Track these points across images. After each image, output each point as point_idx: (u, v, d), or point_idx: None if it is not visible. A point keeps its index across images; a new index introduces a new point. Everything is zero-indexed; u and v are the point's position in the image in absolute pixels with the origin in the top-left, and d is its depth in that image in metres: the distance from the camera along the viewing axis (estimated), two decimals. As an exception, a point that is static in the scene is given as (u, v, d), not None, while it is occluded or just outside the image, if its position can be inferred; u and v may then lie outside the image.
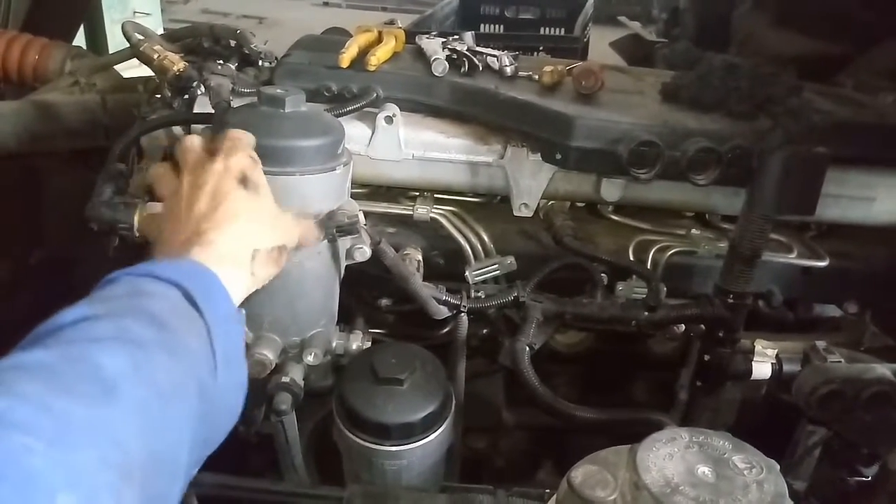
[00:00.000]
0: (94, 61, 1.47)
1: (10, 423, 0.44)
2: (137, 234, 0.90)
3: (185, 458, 0.55)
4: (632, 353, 1.31)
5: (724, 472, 0.65)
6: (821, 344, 1.03)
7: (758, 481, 0.64)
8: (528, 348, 1.03)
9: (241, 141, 0.80)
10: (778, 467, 0.66)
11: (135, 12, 4.45)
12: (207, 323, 0.60)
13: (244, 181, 0.75)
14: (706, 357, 1.11)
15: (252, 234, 0.72)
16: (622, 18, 2.98)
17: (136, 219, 0.89)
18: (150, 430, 0.51)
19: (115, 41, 4.15)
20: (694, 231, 1.19)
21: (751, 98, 1.08)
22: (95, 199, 0.90)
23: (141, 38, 1.16)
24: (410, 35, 1.29)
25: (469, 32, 1.32)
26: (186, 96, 1.09)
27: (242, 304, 0.90)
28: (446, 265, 1.16)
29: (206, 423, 0.58)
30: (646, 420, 1.07)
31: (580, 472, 0.64)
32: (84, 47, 1.81)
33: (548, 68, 1.15)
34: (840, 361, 1.00)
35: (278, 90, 0.89)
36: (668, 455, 0.66)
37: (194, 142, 0.80)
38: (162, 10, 5.11)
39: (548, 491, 0.87)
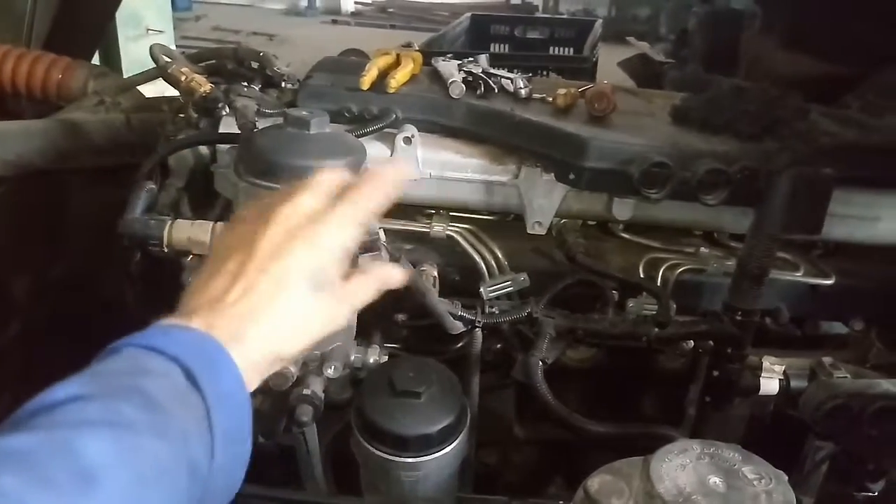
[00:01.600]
0: (118, 81, 1.51)
1: None
2: (166, 250, 0.93)
3: None
4: (640, 368, 1.33)
5: (734, 482, 0.67)
6: (827, 360, 1.05)
7: (767, 491, 0.67)
8: (541, 363, 1.06)
9: (372, 194, 0.69)
10: (786, 478, 0.69)
11: (148, 30, 4.51)
12: (207, 402, 0.57)
13: (317, 285, 0.66)
14: (715, 373, 1.13)
15: (287, 341, 0.65)
16: (630, 39, 3.02)
17: (165, 235, 0.92)
18: None
19: (129, 58, 4.22)
20: (703, 249, 1.22)
21: (759, 120, 1.11)
22: (128, 215, 0.94)
23: (168, 59, 1.20)
24: (426, 55, 1.33)
25: (483, 55, 1.36)
26: (212, 117, 1.13)
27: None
28: (461, 281, 1.19)
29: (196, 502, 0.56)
30: (656, 434, 1.09)
31: (596, 481, 0.66)
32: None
33: (561, 91, 1.18)
34: (846, 377, 1.03)
35: (304, 112, 0.93)
36: (681, 466, 0.69)
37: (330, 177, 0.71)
38: (174, 28, 5.18)
39: (561, 502, 0.89)
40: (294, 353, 0.67)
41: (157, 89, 1.69)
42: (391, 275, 0.75)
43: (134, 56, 4.15)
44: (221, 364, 0.60)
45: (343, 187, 0.70)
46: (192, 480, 0.54)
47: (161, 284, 1.23)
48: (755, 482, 0.68)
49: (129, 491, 0.50)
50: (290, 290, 0.64)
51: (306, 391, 0.93)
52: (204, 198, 1.12)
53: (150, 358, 0.57)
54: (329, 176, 0.71)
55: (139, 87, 1.56)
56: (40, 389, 1.41)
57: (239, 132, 1.03)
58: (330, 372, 0.97)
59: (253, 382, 0.63)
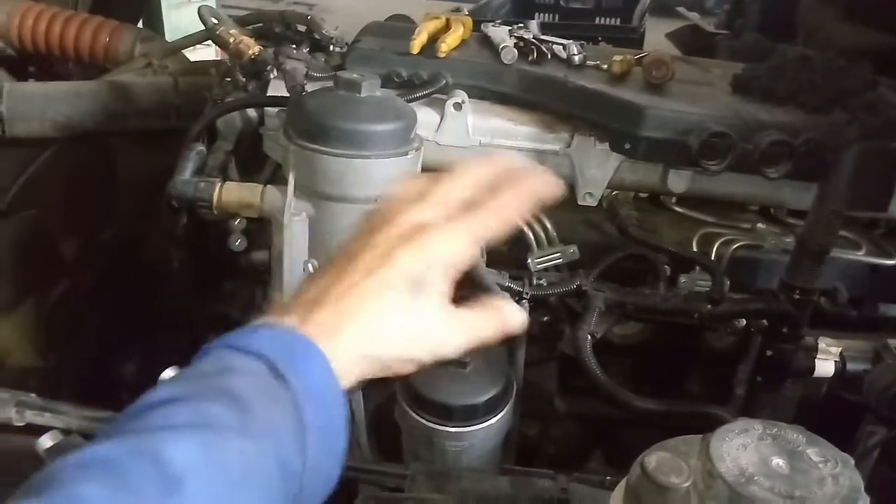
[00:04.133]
0: (165, 44, 1.51)
1: None
2: (215, 212, 0.93)
3: None
4: (687, 346, 1.30)
5: (798, 464, 0.65)
6: (893, 342, 1.01)
7: (833, 475, 0.64)
8: (590, 337, 1.04)
9: (504, 211, 0.65)
10: (853, 462, 0.66)
11: (190, -2, 4.52)
12: (295, 397, 0.56)
13: (416, 284, 0.62)
14: (768, 353, 1.10)
15: (383, 341, 0.62)
16: (680, 9, 2.93)
17: (215, 197, 0.91)
18: None
19: (171, 25, 4.23)
20: (760, 225, 1.18)
21: (825, 91, 1.06)
22: (177, 177, 0.93)
23: (216, 22, 1.19)
24: (475, 23, 1.30)
25: (533, 21, 1.32)
26: (260, 80, 1.11)
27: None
28: (509, 252, 1.17)
29: (291, 501, 0.55)
30: (704, 413, 1.06)
31: (654, 458, 0.64)
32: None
33: (617, 57, 1.14)
34: (913, 360, 0.99)
35: (354, 75, 0.91)
36: (742, 446, 0.66)
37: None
38: (216, -5, 5.18)
39: (608, 478, 0.87)
40: (394, 358, 0.63)
41: (198, 55, 1.69)
42: (514, 316, 0.69)
43: (176, 24, 4.16)
44: (310, 358, 0.58)
45: (476, 193, 0.66)
46: (284, 477, 0.53)
47: (207, 248, 1.23)
48: (820, 465, 0.65)
49: (216, 492, 0.49)
50: (389, 291, 0.62)
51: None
52: (252, 161, 1.11)
53: (237, 357, 0.57)
54: (461, 182, 0.67)
55: (184, 52, 1.56)
56: (87, 347, 1.42)
57: (288, 95, 1.01)
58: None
59: (348, 379, 0.61)
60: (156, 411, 0.52)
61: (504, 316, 0.69)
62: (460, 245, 0.64)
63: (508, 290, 1.06)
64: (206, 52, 2.06)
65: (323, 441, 0.57)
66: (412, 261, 0.63)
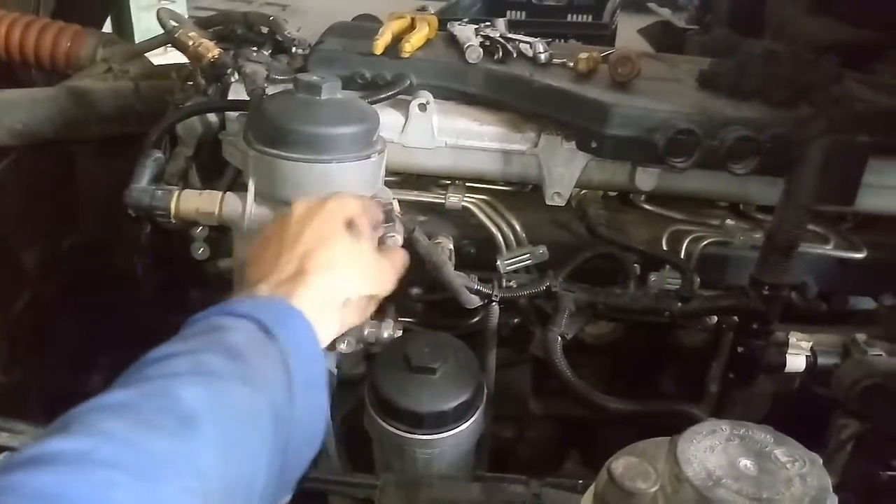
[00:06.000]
0: (126, 48, 1.48)
1: (96, 461, 0.46)
2: (174, 221, 0.91)
3: (261, 487, 0.56)
4: (660, 344, 1.30)
5: (766, 465, 0.64)
6: (861, 337, 1.01)
7: (801, 475, 0.63)
8: (560, 338, 1.03)
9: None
10: (821, 461, 0.66)
11: (160, -1, 4.46)
12: (283, 350, 0.61)
13: (350, 224, 0.76)
14: (739, 349, 1.09)
15: (348, 282, 0.74)
16: (651, 5, 2.93)
17: (172, 205, 0.89)
18: (229, 459, 0.52)
19: (141, 28, 4.17)
20: (728, 221, 1.17)
21: (791, 85, 1.06)
22: (133, 185, 0.91)
23: (175, 24, 1.17)
24: (441, 22, 1.29)
25: (501, 19, 1.31)
26: (220, 83, 1.09)
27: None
28: (477, 254, 1.16)
29: (281, 451, 0.58)
30: (677, 412, 1.06)
31: (620, 464, 0.63)
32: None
33: (583, 55, 1.13)
34: (881, 354, 0.99)
35: (314, 77, 0.89)
36: (710, 447, 0.65)
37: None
38: (187, -3, 5.12)
39: (581, 482, 0.87)
40: (355, 294, 0.74)
41: (167, 59, 1.65)
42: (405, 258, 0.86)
43: (146, 26, 4.10)
44: (291, 317, 0.65)
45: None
46: (276, 425, 0.57)
47: (172, 256, 1.21)
48: (788, 465, 0.64)
49: (226, 431, 0.53)
50: (333, 237, 0.74)
51: (319, 366, 0.91)
52: (213, 167, 1.09)
53: (226, 318, 0.62)
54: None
55: (149, 56, 1.53)
56: (52, 360, 1.40)
57: (248, 99, 0.99)
58: (343, 347, 0.94)
59: (325, 327, 0.69)
60: (159, 364, 0.56)
61: (402, 255, 0.86)
62: (368, 205, 0.80)
63: (478, 292, 1.05)
64: (176, 56, 2.03)
65: (308, 393, 0.62)
66: (338, 207, 0.76)
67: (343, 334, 0.94)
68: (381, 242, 0.85)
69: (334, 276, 0.72)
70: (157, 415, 0.51)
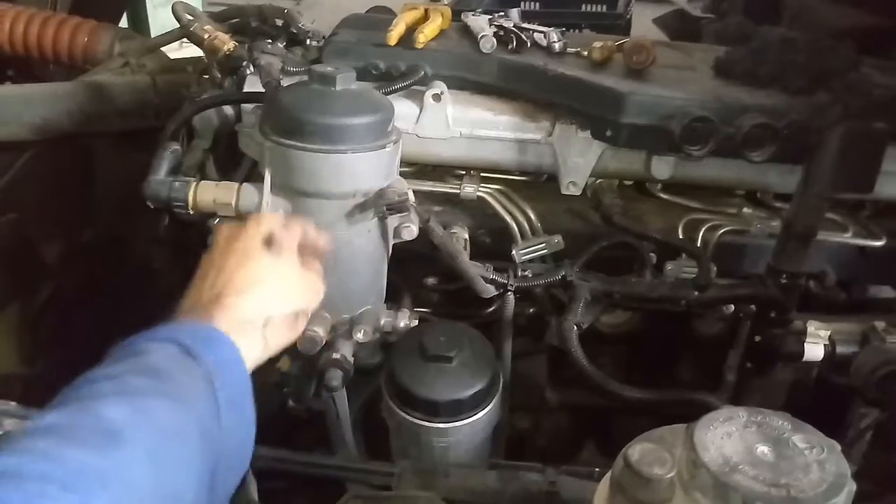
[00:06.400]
0: (143, 43, 1.49)
1: (25, 475, 0.48)
2: (191, 212, 0.91)
3: (192, 498, 0.57)
4: (676, 334, 1.29)
5: (784, 451, 0.64)
6: (880, 324, 1.00)
7: (819, 461, 0.63)
8: (576, 328, 1.03)
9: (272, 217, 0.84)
10: (839, 447, 0.65)
11: (176, -6, 4.47)
12: (206, 369, 0.62)
13: (269, 242, 0.77)
14: (757, 338, 1.09)
15: (268, 301, 0.74)
16: (666, -6, 2.90)
17: (190, 196, 0.90)
18: (157, 471, 0.54)
19: (157, 23, 4.19)
20: (745, 210, 1.17)
21: (808, 72, 1.05)
22: (152, 177, 0.92)
23: (191, 18, 1.17)
24: (454, 13, 1.28)
25: (515, 9, 1.30)
26: (236, 76, 1.10)
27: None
28: (492, 244, 1.16)
29: (211, 466, 0.60)
30: (693, 401, 1.06)
31: (637, 450, 0.63)
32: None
33: (597, 44, 1.13)
34: (900, 342, 0.98)
35: (329, 68, 0.90)
36: (727, 434, 0.65)
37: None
38: (202, -9, 5.13)
39: (597, 469, 0.87)
40: (279, 312, 0.75)
41: (182, 54, 1.67)
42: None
43: (162, 21, 4.12)
44: (213, 337, 0.66)
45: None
46: (203, 441, 0.59)
47: (190, 248, 1.22)
48: (806, 452, 0.64)
49: (152, 444, 0.54)
50: (251, 257, 0.75)
51: (336, 355, 0.92)
52: (230, 159, 1.09)
53: (149, 343, 0.63)
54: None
55: (165, 50, 1.54)
56: (73, 351, 1.41)
57: (263, 91, 1.00)
58: (360, 336, 0.95)
59: (248, 346, 0.69)
60: (86, 386, 0.58)
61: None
62: (289, 223, 0.80)
63: (493, 282, 1.05)
64: (193, 50, 2.04)
65: (234, 410, 0.63)
66: (259, 227, 0.78)
67: (360, 324, 0.95)
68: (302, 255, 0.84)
69: (252, 295, 0.73)
70: (83, 432, 0.53)
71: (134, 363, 0.60)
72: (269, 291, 0.75)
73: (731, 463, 0.62)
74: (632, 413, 1.12)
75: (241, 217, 0.91)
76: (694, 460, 0.62)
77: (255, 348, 0.72)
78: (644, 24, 2.94)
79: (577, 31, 2.71)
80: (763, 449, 0.64)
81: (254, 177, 1.00)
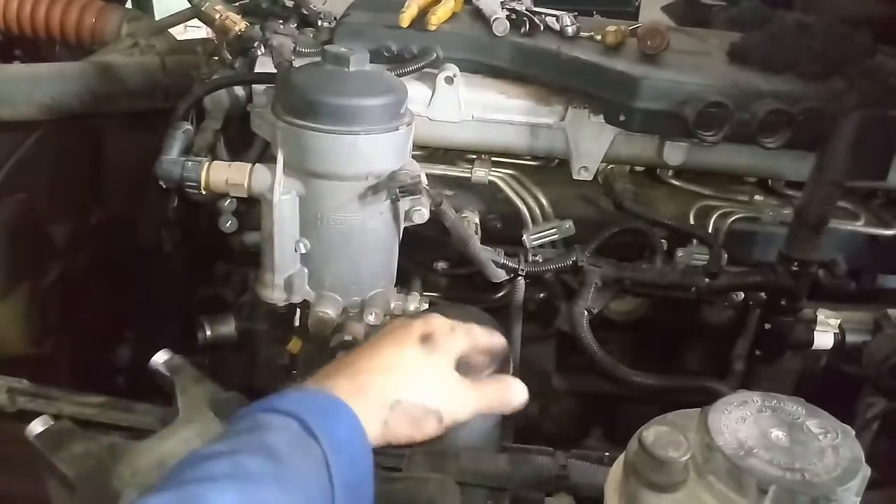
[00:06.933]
0: (151, 23, 1.48)
1: None
2: (203, 192, 0.91)
3: None
4: (685, 321, 1.29)
5: (798, 436, 0.64)
6: (893, 312, 1.00)
7: (833, 446, 0.63)
8: (586, 313, 1.03)
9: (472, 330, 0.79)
10: (853, 433, 0.65)
11: (181, -25, 4.44)
12: (324, 450, 0.60)
13: (426, 338, 0.74)
14: (767, 326, 1.09)
15: (401, 385, 0.70)
16: (676, -19, 2.88)
17: (203, 176, 0.90)
18: None
19: (161, 4, 4.18)
20: (757, 197, 1.16)
21: (824, 59, 1.04)
22: (164, 157, 0.91)
23: (201, -2, 1.17)
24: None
25: (527, -7, 1.29)
26: (247, 57, 1.09)
27: (304, 262, 0.92)
28: (503, 229, 1.16)
29: None
30: (703, 388, 1.06)
31: (651, 432, 0.63)
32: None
33: (611, 28, 1.12)
34: (913, 331, 0.98)
35: (343, 49, 0.89)
36: (741, 418, 0.65)
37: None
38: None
39: (607, 454, 0.87)
40: (413, 405, 0.70)
41: (189, 35, 1.66)
42: (517, 392, 0.78)
43: (166, 3, 4.10)
44: (337, 414, 0.64)
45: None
46: None
47: (198, 230, 1.22)
48: (820, 437, 0.64)
49: None
50: (404, 344, 0.73)
51: (347, 337, 0.92)
52: (241, 139, 1.09)
53: (270, 416, 0.62)
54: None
55: (171, 31, 1.53)
56: (81, 331, 1.40)
57: (275, 71, 0.99)
58: (371, 318, 0.95)
59: (376, 432, 0.67)
60: (199, 465, 0.57)
61: (509, 391, 0.78)
62: (461, 329, 0.76)
63: (504, 266, 1.05)
64: (198, 32, 2.03)
65: (351, 492, 0.61)
66: (423, 323, 0.75)
67: (371, 306, 0.95)
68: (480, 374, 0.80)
69: (387, 377, 0.70)
70: None
71: (254, 441, 0.59)
72: (407, 378, 0.71)
73: (745, 447, 0.62)
74: (638, 400, 1.13)
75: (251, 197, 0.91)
76: (708, 444, 0.62)
77: (374, 426, 0.67)
78: (653, 12, 2.92)
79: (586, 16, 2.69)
80: (777, 433, 0.64)
81: (265, 158, 1.00)
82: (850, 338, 1.08)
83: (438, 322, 0.76)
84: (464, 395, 0.74)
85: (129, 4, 2.38)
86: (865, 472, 0.61)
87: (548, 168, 1.20)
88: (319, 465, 0.60)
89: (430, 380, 0.73)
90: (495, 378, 0.80)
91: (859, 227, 1.16)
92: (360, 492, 0.63)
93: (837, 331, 1.08)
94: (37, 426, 0.79)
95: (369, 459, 0.64)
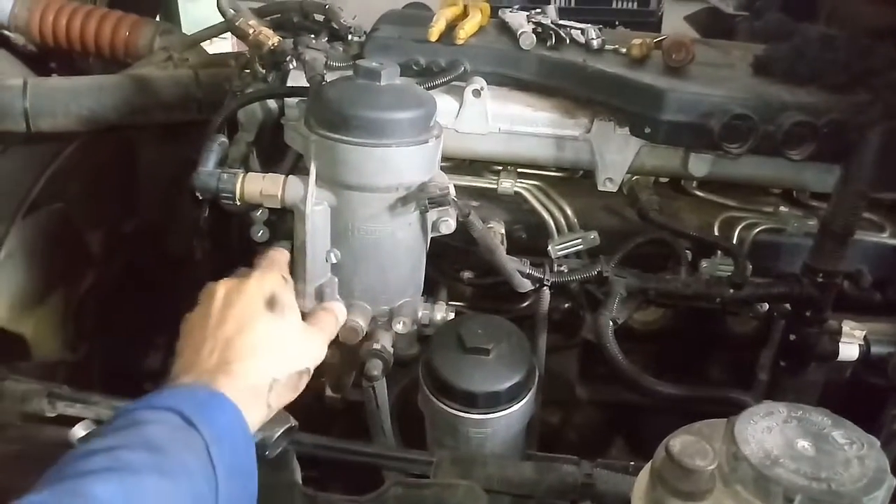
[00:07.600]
0: (184, 37, 1.52)
1: None
2: (238, 203, 0.94)
3: None
4: (709, 331, 1.30)
5: (824, 446, 0.65)
6: (919, 324, 1.00)
7: (859, 457, 0.64)
8: (611, 323, 1.04)
9: (278, 261, 0.85)
10: (879, 443, 0.66)
11: (207, -11, 4.51)
12: (205, 439, 0.61)
13: (272, 303, 0.77)
14: (792, 337, 1.09)
15: (272, 364, 0.74)
16: (699, -9, 2.88)
17: (238, 188, 0.92)
18: None
19: (188, 19, 4.24)
20: (782, 208, 1.17)
21: (849, 70, 1.05)
22: (201, 168, 0.94)
23: (234, 13, 1.20)
24: (493, 10, 1.30)
25: (551, 6, 1.31)
26: (279, 70, 1.12)
27: (334, 271, 0.94)
28: (529, 239, 1.17)
29: None
30: (727, 399, 1.06)
31: (678, 442, 0.64)
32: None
33: (636, 41, 1.14)
34: (940, 343, 0.98)
35: (374, 63, 0.91)
36: (767, 428, 0.66)
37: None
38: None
39: (632, 463, 0.88)
40: (284, 373, 0.74)
41: (214, 48, 1.69)
42: (340, 309, 0.89)
43: (192, 17, 4.16)
44: (214, 403, 0.66)
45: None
46: None
47: (229, 239, 1.25)
48: (846, 447, 0.65)
49: None
50: (254, 319, 0.74)
51: (376, 345, 0.94)
52: (273, 152, 1.12)
53: (148, 412, 0.63)
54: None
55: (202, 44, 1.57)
56: (114, 338, 1.44)
57: (308, 85, 1.02)
58: (399, 327, 0.96)
59: (252, 412, 0.69)
60: (78, 462, 0.57)
61: (336, 312, 0.88)
62: (275, 273, 0.81)
63: (530, 276, 1.07)
64: (222, 45, 2.07)
65: (234, 479, 0.63)
66: (257, 289, 0.77)
67: (399, 315, 0.97)
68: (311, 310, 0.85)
69: (257, 360, 0.72)
70: None
71: (132, 435, 0.60)
72: (273, 355, 0.74)
73: (771, 456, 0.63)
74: (661, 410, 1.13)
75: (284, 208, 0.93)
76: (735, 453, 0.63)
77: (258, 414, 0.71)
78: (675, 22, 2.93)
79: (608, 27, 2.70)
80: (803, 443, 0.65)
81: (298, 170, 1.02)
82: (875, 349, 1.07)
83: (271, 280, 0.79)
84: (316, 339, 0.81)
85: (157, 18, 2.43)
86: (891, 482, 0.62)
87: (573, 179, 1.21)
88: (201, 454, 0.61)
89: (291, 345, 0.77)
90: (320, 308, 0.87)
91: (885, 238, 1.16)
92: (244, 478, 0.65)
93: (862, 342, 1.07)
94: (79, 430, 0.82)
95: (251, 446, 0.67)
